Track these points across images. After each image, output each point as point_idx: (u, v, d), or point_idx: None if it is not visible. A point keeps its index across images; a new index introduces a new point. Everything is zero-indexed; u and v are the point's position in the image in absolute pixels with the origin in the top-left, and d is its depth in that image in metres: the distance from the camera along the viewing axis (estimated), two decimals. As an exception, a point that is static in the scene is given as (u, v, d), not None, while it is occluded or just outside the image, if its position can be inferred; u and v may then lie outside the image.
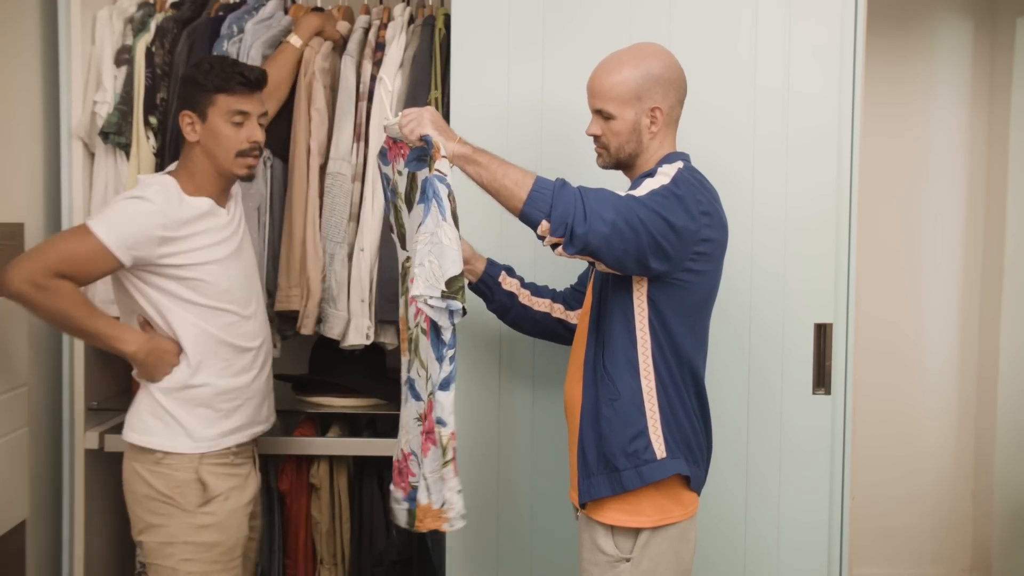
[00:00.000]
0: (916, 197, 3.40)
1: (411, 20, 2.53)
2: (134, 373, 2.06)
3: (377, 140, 2.38)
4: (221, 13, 2.50)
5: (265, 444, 2.34)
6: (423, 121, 1.74)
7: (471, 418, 2.25)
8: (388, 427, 2.70)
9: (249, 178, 2.09)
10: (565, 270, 2.09)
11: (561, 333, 2.07)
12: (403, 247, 1.95)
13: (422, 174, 1.76)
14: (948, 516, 3.45)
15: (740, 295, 2.21)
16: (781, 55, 2.21)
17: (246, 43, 2.40)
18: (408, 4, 2.55)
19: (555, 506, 2.21)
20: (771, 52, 2.21)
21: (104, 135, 2.38)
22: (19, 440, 2.25)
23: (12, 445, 2.22)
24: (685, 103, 1.87)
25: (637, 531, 1.76)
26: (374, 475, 2.63)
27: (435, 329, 1.72)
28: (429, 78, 2.40)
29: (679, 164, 1.78)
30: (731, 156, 2.21)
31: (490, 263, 2.05)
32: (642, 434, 1.75)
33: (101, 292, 2.34)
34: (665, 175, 1.75)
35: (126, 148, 2.40)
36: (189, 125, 2.03)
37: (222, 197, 2.08)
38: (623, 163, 1.85)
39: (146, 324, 2.02)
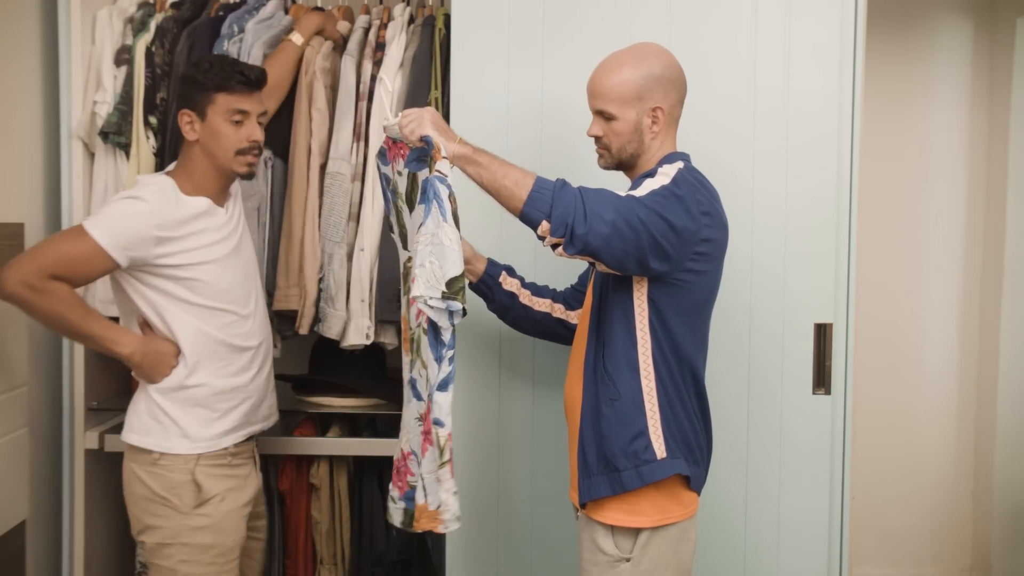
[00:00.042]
0: (916, 197, 3.40)
1: (411, 20, 2.53)
2: (134, 373, 2.06)
3: (377, 140, 2.38)
4: (221, 13, 2.50)
5: (265, 444, 2.34)
6: (423, 121, 1.74)
7: (471, 418, 2.25)
8: (388, 427, 2.70)
9: (249, 176, 2.08)
10: (565, 270, 2.09)
11: (561, 333, 2.07)
12: (405, 247, 1.95)
13: (422, 174, 1.76)
14: (948, 516, 3.45)
15: (740, 295, 2.21)
16: (781, 55, 2.21)
17: (247, 43, 2.40)
18: (408, 4, 2.56)
19: (555, 506, 2.21)
20: (771, 52, 2.21)
21: (104, 135, 2.38)
22: (19, 440, 2.25)
23: (12, 445, 2.22)
24: (685, 103, 1.87)
25: (637, 531, 1.76)
26: (374, 475, 2.63)
27: (435, 329, 1.72)
28: (429, 78, 2.40)
29: (679, 164, 1.78)
30: (731, 156, 2.21)
31: (491, 263, 2.05)
32: (642, 434, 1.75)
33: (101, 292, 2.34)
34: (665, 175, 1.75)
35: (126, 148, 2.40)
36: (188, 124, 2.02)
37: (220, 196, 2.08)
38: (625, 164, 1.85)
39: (146, 325, 2.02)
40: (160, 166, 2.38)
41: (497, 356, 2.25)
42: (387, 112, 1.97)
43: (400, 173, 1.88)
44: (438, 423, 1.74)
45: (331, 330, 2.41)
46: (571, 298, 2.08)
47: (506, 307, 2.06)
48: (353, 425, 2.72)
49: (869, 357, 3.28)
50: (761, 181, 2.22)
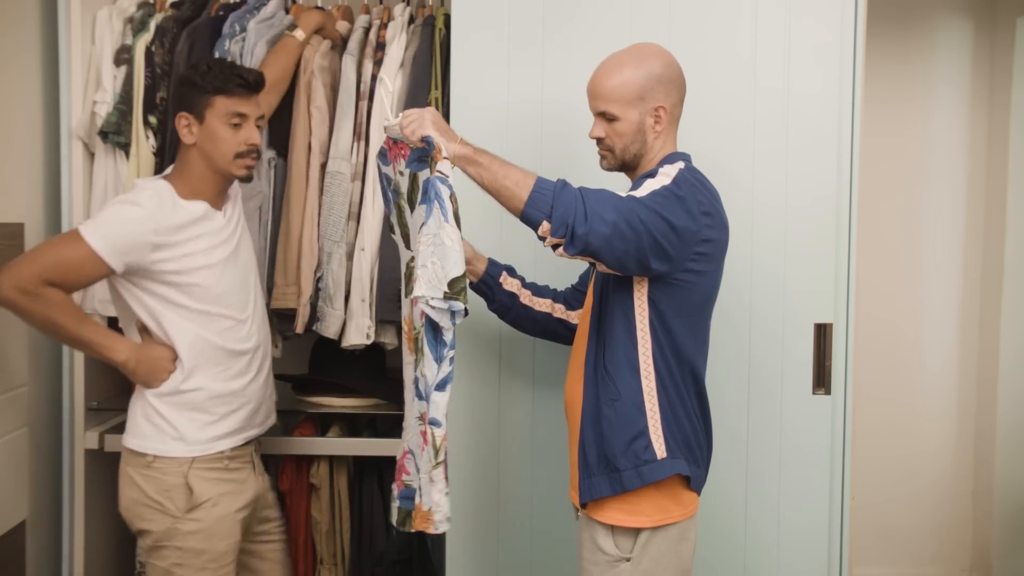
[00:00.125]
0: (916, 197, 3.40)
1: (411, 20, 2.53)
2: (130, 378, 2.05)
3: (377, 139, 2.38)
4: (221, 13, 2.50)
5: (265, 444, 2.34)
6: (424, 122, 1.74)
7: (471, 418, 2.25)
8: (388, 427, 2.70)
9: (247, 179, 2.08)
10: (566, 270, 2.09)
11: (562, 333, 2.07)
12: (407, 247, 1.95)
13: (423, 175, 1.76)
14: (948, 516, 3.45)
15: (740, 295, 2.21)
16: (781, 55, 2.21)
17: (249, 42, 2.40)
18: (408, 4, 2.56)
19: (555, 506, 2.21)
20: (771, 52, 2.21)
21: (103, 135, 2.38)
22: (19, 440, 2.25)
23: (12, 445, 2.22)
24: (685, 103, 1.87)
25: (637, 531, 1.77)
26: (374, 475, 2.63)
27: (436, 330, 1.72)
28: (429, 78, 2.40)
29: (680, 164, 1.78)
30: (731, 156, 2.21)
31: (491, 263, 2.05)
32: (642, 434, 1.75)
33: (100, 292, 2.34)
34: (666, 175, 1.75)
35: (125, 148, 2.40)
36: (186, 127, 2.01)
37: (218, 200, 2.07)
38: (628, 164, 1.85)
39: (144, 330, 2.02)
40: (160, 166, 2.38)
41: (497, 356, 2.25)
42: (388, 112, 1.97)
43: (401, 173, 1.88)
44: (434, 423, 1.74)
45: (329, 329, 2.41)
46: (571, 298, 2.08)
47: (507, 307, 2.06)
48: (353, 425, 2.72)
49: (869, 357, 3.28)
50: (761, 181, 2.22)
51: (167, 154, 2.38)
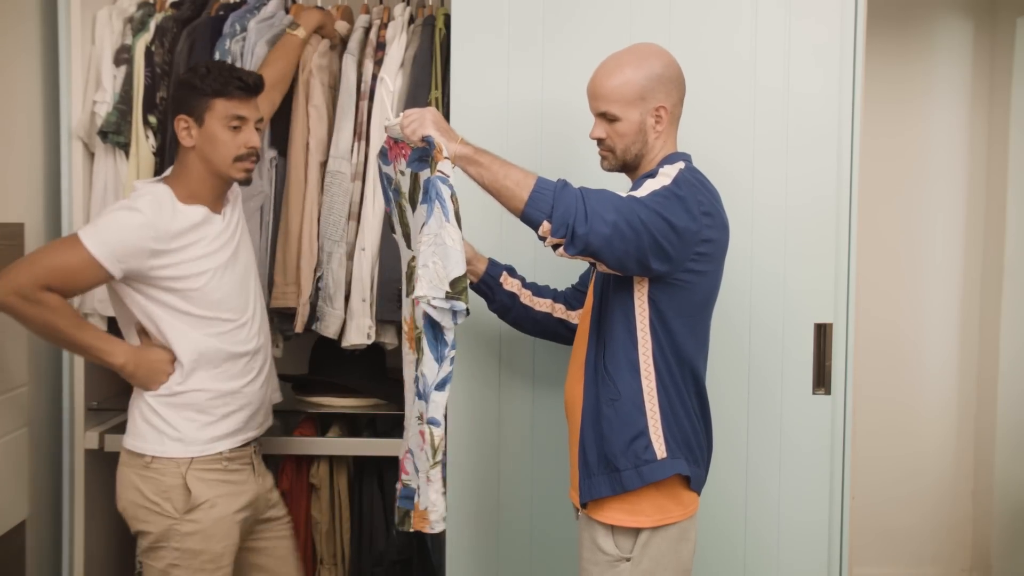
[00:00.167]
0: (916, 197, 3.40)
1: (411, 20, 2.53)
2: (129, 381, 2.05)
3: (377, 139, 2.38)
4: (222, 12, 2.50)
5: (265, 444, 2.34)
6: (425, 122, 1.74)
7: (471, 417, 2.24)
8: (388, 427, 2.70)
9: (246, 182, 2.07)
10: (566, 270, 2.09)
11: (562, 333, 2.07)
12: (408, 247, 1.95)
13: (424, 174, 1.76)
14: (948, 516, 3.45)
15: (740, 295, 2.21)
16: (781, 55, 2.21)
17: (250, 41, 2.40)
18: (408, 4, 2.56)
19: (555, 506, 2.21)
20: (771, 52, 2.21)
21: (103, 134, 2.38)
22: (19, 440, 2.26)
23: (12, 445, 2.22)
24: (685, 103, 1.87)
25: (637, 531, 1.77)
26: (374, 475, 2.63)
27: (436, 329, 1.72)
28: (429, 78, 2.40)
29: (680, 165, 1.78)
30: (731, 156, 2.20)
31: (491, 263, 2.05)
32: (642, 434, 1.75)
33: (100, 291, 2.33)
34: (666, 176, 1.75)
35: (125, 147, 2.40)
36: (185, 130, 2.01)
37: (217, 203, 2.06)
38: (628, 165, 1.85)
39: (143, 332, 2.02)
40: (160, 165, 2.38)
41: (497, 356, 2.25)
42: (388, 112, 1.96)
43: (402, 173, 1.88)
44: (433, 422, 1.74)
45: (328, 329, 2.41)
46: (572, 298, 2.08)
47: (507, 307, 2.06)
48: (353, 425, 2.73)
49: (869, 357, 3.28)
50: (761, 181, 2.22)
51: (167, 154, 2.38)
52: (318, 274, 2.41)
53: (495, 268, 2.05)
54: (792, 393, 2.23)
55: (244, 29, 2.42)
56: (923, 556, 3.45)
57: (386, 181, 1.99)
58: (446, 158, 1.69)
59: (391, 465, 2.61)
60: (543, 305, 2.06)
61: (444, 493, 1.78)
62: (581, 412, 1.82)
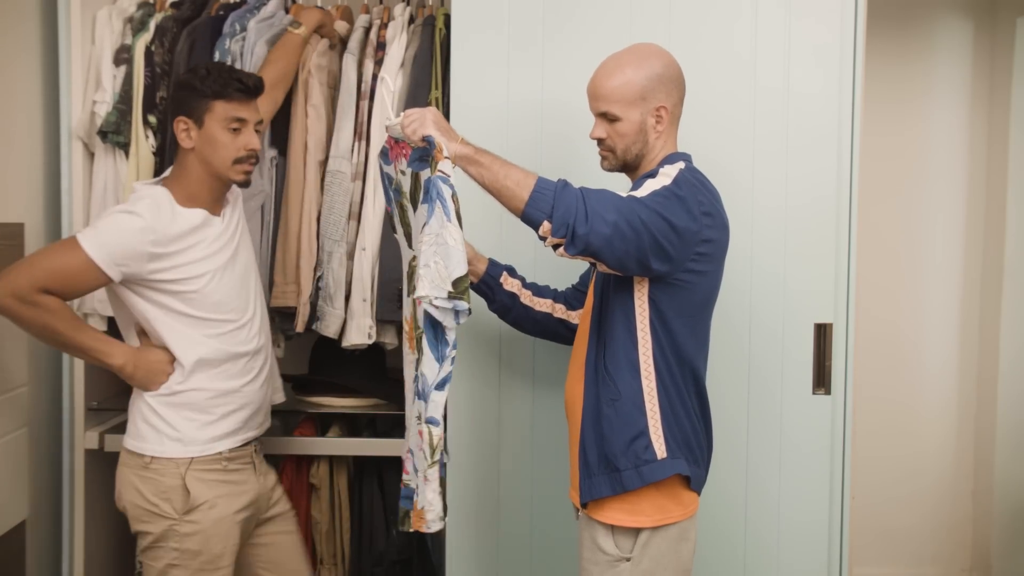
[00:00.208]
0: (916, 197, 3.40)
1: (411, 20, 2.53)
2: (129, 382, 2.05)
3: (378, 139, 2.38)
4: (222, 12, 2.50)
5: (265, 444, 2.33)
6: (425, 121, 1.74)
7: (472, 417, 2.25)
8: (388, 427, 2.70)
9: (245, 184, 2.06)
10: (566, 270, 2.09)
11: (563, 333, 2.07)
12: (409, 247, 1.95)
13: (425, 174, 1.76)
14: (948, 516, 3.45)
15: (740, 295, 2.21)
16: (781, 55, 2.21)
17: (250, 41, 2.40)
18: (408, 4, 2.56)
19: (555, 506, 2.21)
20: (771, 52, 2.21)
21: (103, 134, 2.38)
22: (19, 440, 2.26)
23: (12, 445, 2.22)
24: (685, 103, 1.87)
25: (637, 531, 1.77)
26: (374, 475, 2.63)
27: (437, 329, 1.72)
28: (430, 78, 2.40)
29: (680, 165, 1.78)
30: (731, 156, 2.21)
31: (492, 264, 2.05)
32: (643, 434, 1.75)
33: (99, 291, 2.33)
34: (667, 176, 1.75)
35: (125, 147, 2.40)
36: (184, 131, 2.00)
37: (216, 205, 2.05)
38: (629, 165, 1.85)
39: (143, 334, 2.02)
40: (159, 165, 2.38)
41: (497, 356, 2.25)
42: (389, 112, 1.97)
43: (403, 173, 1.88)
44: (432, 422, 1.74)
45: (328, 329, 2.41)
46: (572, 298, 2.08)
47: (507, 307, 2.06)
48: (353, 425, 2.72)
49: (869, 357, 3.28)
50: (761, 181, 2.22)
51: (166, 154, 2.38)
52: (318, 273, 2.41)
53: (495, 268, 2.05)
54: (792, 393, 2.23)
55: (244, 29, 2.42)
56: (923, 556, 3.45)
57: (387, 181, 1.99)
58: (446, 158, 1.69)
59: (391, 465, 2.61)
60: (543, 305, 2.06)
61: (441, 493, 1.78)
62: (581, 412, 1.82)
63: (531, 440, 2.25)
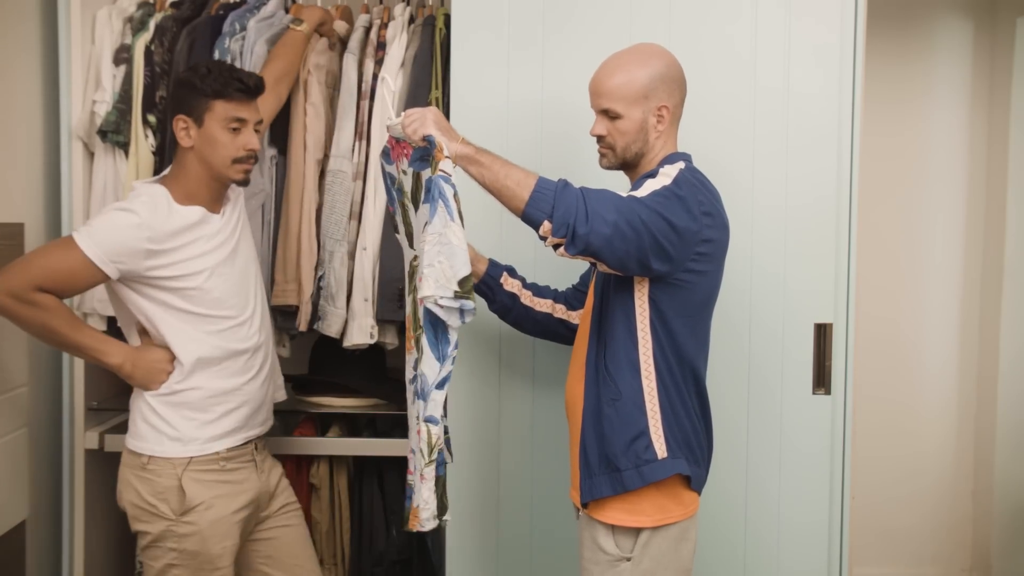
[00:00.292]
0: (916, 197, 3.40)
1: (411, 20, 2.54)
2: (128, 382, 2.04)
3: (378, 139, 2.38)
4: (221, 12, 2.50)
5: (266, 444, 2.34)
6: (426, 121, 1.74)
7: (472, 417, 2.25)
8: (388, 427, 2.70)
9: (244, 183, 2.06)
10: (566, 270, 2.09)
11: (563, 333, 2.07)
12: (411, 246, 1.95)
13: (425, 174, 1.76)
14: (948, 516, 3.45)
15: (740, 295, 2.21)
16: (781, 55, 2.21)
17: (249, 40, 2.40)
18: (408, 4, 2.56)
19: (555, 506, 2.21)
20: (771, 52, 2.21)
21: (102, 134, 2.38)
22: (19, 440, 2.25)
23: (12, 445, 2.22)
24: (685, 103, 1.87)
25: (638, 530, 1.77)
26: (374, 475, 2.63)
27: (439, 329, 1.71)
28: (430, 78, 2.40)
29: (680, 165, 1.79)
30: (731, 156, 2.21)
31: (492, 264, 2.05)
32: (643, 434, 1.75)
33: (99, 291, 2.33)
34: (667, 176, 1.75)
35: (124, 147, 2.40)
36: (183, 130, 1.99)
37: (216, 203, 2.05)
38: (628, 163, 1.85)
39: (143, 332, 2.02)
40: (159, 164, 2.38)
41: (497, 356, 2.25)
42: (390, 111, 1.96)
43: (404, 172, 1.88)
44: (431, 420, 1.74)
45: (331, 328, 2.41)
46: (572, 298, 2.08)
47: (507, 308, 2.06)
48: (353, 425, 2.72)
49: (869, 357, 3.28)
50: (761, 181, 2.22)
51: (166, 153, 2.38)
52: (319, 273, 2.41)
53: (495, 269, 2.05)
54: (792, 393, 2.23)
55: (244, 28, 2.42)
56: (923, 556, 3.45)
57: (389, 180, 1.99)
58: (447, 157, 1.69)
59: (391, 465, 2.61)
60: (543, 305, 2.06)
61: (438, 492, 1.77)
62: (582, 412, 1.82)
63: (531, 440, 2.25)
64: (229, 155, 1.99)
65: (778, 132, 2.22)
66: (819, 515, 2.24)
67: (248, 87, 2.00)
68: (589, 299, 1.90)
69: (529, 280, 2.09)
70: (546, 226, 1.66)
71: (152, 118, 2.39)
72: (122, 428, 2.10)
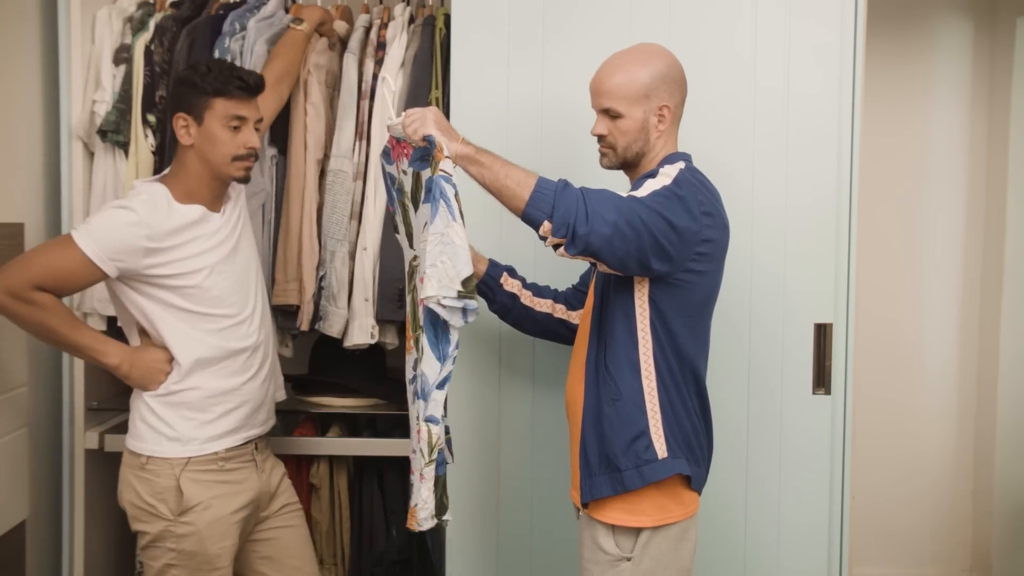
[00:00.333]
0: (916, 197, 3.40)
1: (411, 20, 2.54)
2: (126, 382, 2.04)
3: (379, 139, 2.38)
4: (221, 11, 2.50)
5: (267, 444, 2.34)
6: (426, 121, 1.74)
7: (472, 417, 2.25)
8: (388, 427, 2.70)
9: (245, 181, 2.06)
10: (566, 270, 2.09)
11: (563, 333, 2.07)
12: (411, 246, 1.95)
13: (426, 174, 1.76)
14: (948, 516, 3.45)
15: (740, 295, 2.21)
16: (781, 55, 2.21)
17: (249, 40, 2.40)
18: (408, 4, 2.56)
19: (555, 506, 2.21)
20: (771, 52, 2.21)
21: (102, 133, 2.38)
22: (19, 440, 2.25)
23: (12, 445, 2.22)
24: (685, 103, 1.87)
25: (638, 530, 1.77)
26: (374, 475, 2.63)
27: (440, 328, 1.71)
28: (430, 78, 2.40)
29: (680, 165, 1.79)
30: (731, 156, 2.21)
31: (492, 264, 2.05)
32: (643, 434, 1.75)
33: (99, 291, 2.33)
34: (667, 176, 1.75)
35: (124, 146, 2.40)
36: (184, 128, 1.99)
37: (216, 202, 2.05)
38: (628, 163, 1.85)
39: (143, 332, 2.01)
40: (159, 164, 2.38)
41: (497, 355, 2.25)
42: (390, 111, 1.96)
43: (405, 172, 1.88)
44: (432, 420, 1.74)
45: (332, 328, 2.41)
46: (572, 298, 2.08)
47: (507, 308, 2.06)
48: (353, 425, 2.72)
49: (869, 357, 3.28)
50: (761, 181, 2.22)
51: (166, 153, 2.38)
52: (321, 272, 2.41)
53: (495, 269, 2.05)
54: (792, 393, 2.23)
55: (243, 28, 2.42)
56: (923, 556, 3.45)
57: (389, 180, 1.99)
58: (447, 157, 1.69)
59: (391, 465, 2.61)
60: (543, 305, 2.06)
61: (437, 492, 1.77)
62: (582, 412, 1.82)
63: (531, 440, 2.25)
64: (229, 153, 1.99)
65: (778, 132, 2.22)
66: (819, 515, 2.24)
67: (248, 85, 2.00)
68: (589, 299, 1.90)
69: (529, 280, 2.09)
70: (546, 226, 1.66)
71: (152, 118, 2.39)
72: (122, 428, 2.10)
